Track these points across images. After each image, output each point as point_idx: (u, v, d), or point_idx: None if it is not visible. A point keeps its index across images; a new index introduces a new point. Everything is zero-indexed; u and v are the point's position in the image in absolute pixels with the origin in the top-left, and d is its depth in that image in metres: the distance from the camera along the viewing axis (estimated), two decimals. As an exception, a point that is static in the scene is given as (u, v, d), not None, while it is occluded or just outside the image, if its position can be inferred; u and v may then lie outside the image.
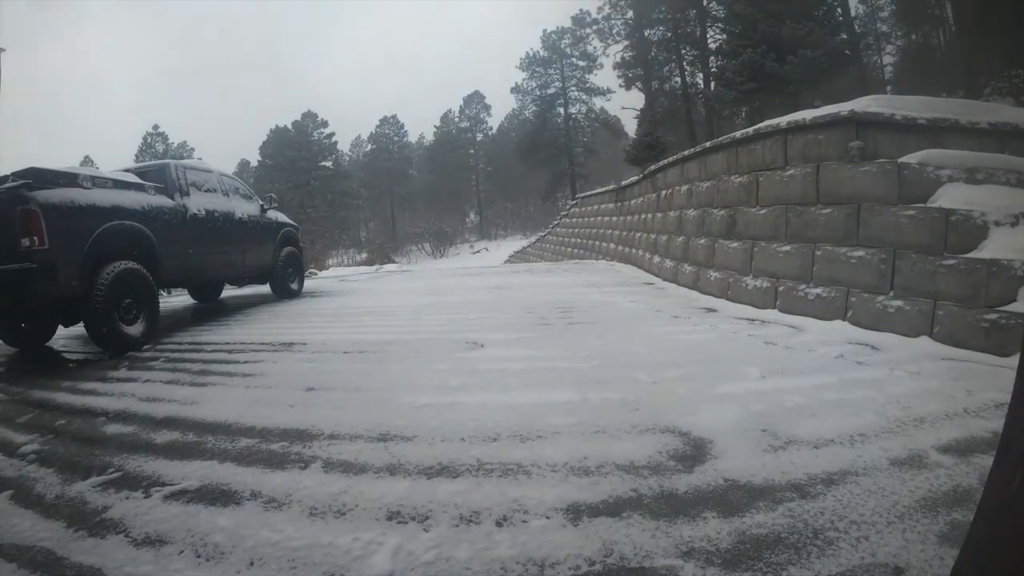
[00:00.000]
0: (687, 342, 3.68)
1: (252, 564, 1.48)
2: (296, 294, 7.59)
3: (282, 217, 7.56)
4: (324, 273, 17.50)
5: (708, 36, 22.98)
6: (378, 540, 1.54)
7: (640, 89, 26.59)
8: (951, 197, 3.39)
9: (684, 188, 7.04)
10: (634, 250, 9.73)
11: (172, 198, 5.21)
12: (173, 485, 1.96)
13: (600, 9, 28.13)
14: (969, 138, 3.86)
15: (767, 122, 5.08)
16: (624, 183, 11.62)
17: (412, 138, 55.16)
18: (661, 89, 26.58)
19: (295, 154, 44.51)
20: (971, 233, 3.19)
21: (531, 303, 5.71)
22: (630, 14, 26.75)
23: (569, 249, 16.77)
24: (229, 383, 3.26)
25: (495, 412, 2.45)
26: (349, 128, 67.27)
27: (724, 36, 20.49)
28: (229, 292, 8.39)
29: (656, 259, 7.98)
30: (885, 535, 1.44)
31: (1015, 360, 0.89)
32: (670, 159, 8.04)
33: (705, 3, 22.59)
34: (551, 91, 37.61)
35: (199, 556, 1.53)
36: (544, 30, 37.16)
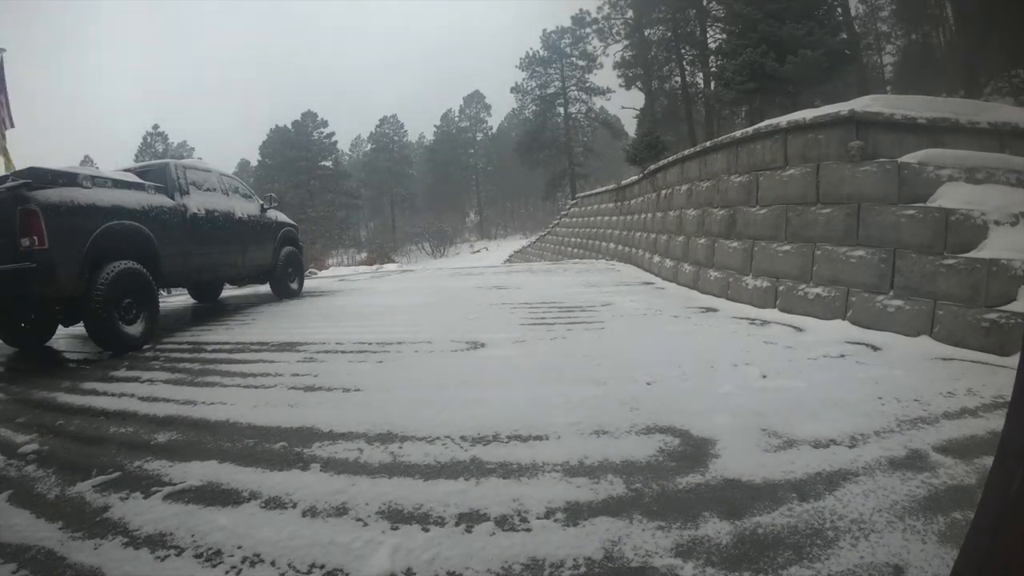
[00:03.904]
0: (687, 342, 3.68)
1: (252, 564, 1.48)
2: (296, 294, 7.59)
3: (282, 217, 7.56)
4: (324, 273, 17.51)
5: (708, 36, 22.97)
6: (378, 539, 1.55)
7: (640, 89, 26.58)
8: (951, 197, 3.39)
9: (684, 188, 7.04)
10: (634, 250, 9.73)
11: (172, 198, 5.21)
12: (173, 485, 1.96)
13: (600, 9, 28.17)
14: (969, 138, 3.86)
15: (767, 122, 5.07)
16: (624, 183, 11.62)
17: (412, 138, 55.31)
18: (661, 89, 26.56)
19: (295, 154, 44.51)
20: (971, 233, 3.19)
21: (531, 303, 5.71)
22: (630, 14, 26.75)
23: (569, 249, 16.76)
24: (229, 383, 3.26)
25: (495, 411, 2.45)
26: (349, 128, 67.67)
27: (724, 36, 20.47)
28: (229, 292, 8.39)
29: (656, 259, 7.98)
30: (885, 535, 1.44)
31: (1015, 360, 0.89)
32: (670, 159, 8.04)
33: (705, 3, 22.57)
34: (551, 91, 37.59)
35: (199, 556, 1.53)
36: (544, 30, 37.21)
